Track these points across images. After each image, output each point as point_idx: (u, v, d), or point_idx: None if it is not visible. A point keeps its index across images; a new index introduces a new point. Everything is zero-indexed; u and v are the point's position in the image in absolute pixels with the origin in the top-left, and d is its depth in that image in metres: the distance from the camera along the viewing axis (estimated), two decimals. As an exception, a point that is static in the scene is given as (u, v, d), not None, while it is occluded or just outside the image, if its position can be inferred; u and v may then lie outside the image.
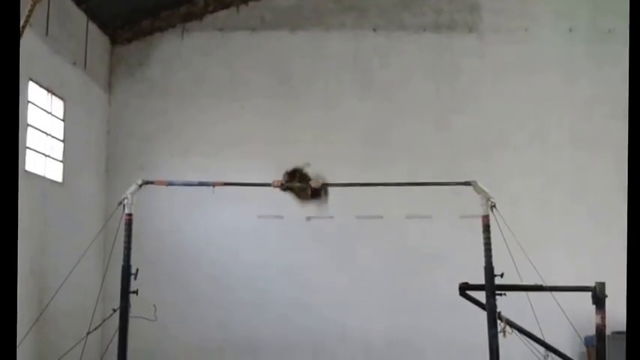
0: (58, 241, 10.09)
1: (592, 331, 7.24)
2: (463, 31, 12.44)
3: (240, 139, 12.40)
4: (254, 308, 11.97)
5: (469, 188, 7.45)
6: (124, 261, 7.62)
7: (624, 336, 11.67)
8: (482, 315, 7.04)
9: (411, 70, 12.57)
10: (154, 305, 9.72)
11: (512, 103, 12.31)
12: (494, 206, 7.19)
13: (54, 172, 10.87)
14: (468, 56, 12.43)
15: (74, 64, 11.30)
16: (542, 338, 7.04)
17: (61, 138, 11.14)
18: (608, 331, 7.22)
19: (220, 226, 12.31)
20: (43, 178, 10.46)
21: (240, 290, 12.05)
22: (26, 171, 9.76)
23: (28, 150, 9.77)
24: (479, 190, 7.29)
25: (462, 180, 7.70)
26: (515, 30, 12.37)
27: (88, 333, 8.12)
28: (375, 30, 12.65)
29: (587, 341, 9.61)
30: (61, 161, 11.05)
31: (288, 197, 11.17)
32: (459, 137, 12.15)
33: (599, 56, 12.11)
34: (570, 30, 12.25)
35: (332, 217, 11.14)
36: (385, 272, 12.10)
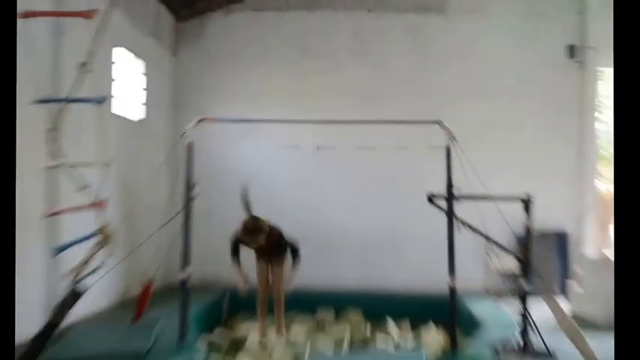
0: (140, 165, 10.26)
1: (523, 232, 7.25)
2: (435, 12, 12.57)
3: (271, 92, 12.62)
4: (279, 212, 12.10)
5: (438, 127, 7.49)
6: (186, 176, 7.63)
7: (547, 236, 11.76)
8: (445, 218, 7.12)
9: (397, 43, 12.68)
10: (208, 206, 9.89)
11: (471, 67, 12.44)
12: (454, 139, 7.24)
13: (136, 114, 11.18)
14: (440, 32, 12.55)
15: (150, 35, 11.66)
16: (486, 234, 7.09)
17: (144, 87, 11.58)
18: (534, 232, 7.25)
19: (255, 154, 12.55)
20: (130, 120, 10.71)
21: (268, 199, 12.20)
22: (117, 116, 10.01)
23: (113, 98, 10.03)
24: (444, 128, 7.32)
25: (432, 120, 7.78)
26: (475, 11, 12.54)
27: (160, 227, 8.30)
28: (369, 11, 12.77)
29: (519, 240, 9.69)
30: (143, 104, 11.39)
31: (303, 132, 11.25)
32: (434, 92, 12.29)
33: (539, 31, 12.27)
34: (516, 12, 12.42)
35: (335, 147, 11.20)
36: (375, 187, 12.30)
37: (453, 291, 7.02)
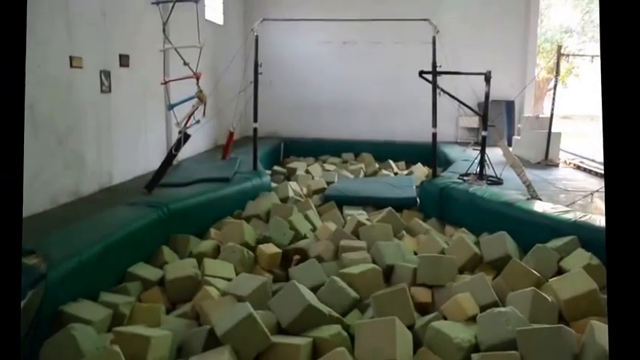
0: (222, 55, 10.14)
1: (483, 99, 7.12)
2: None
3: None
4: (318, 89, 12.09)
5: (427, 23, 7.25)
6: (254, 59, 7.52)
7: (499, 102, 11.50)
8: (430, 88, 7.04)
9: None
10: (270, 81, 9.85)
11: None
12: (438, 32, 7.04)
13: (219, 18, 10.75)
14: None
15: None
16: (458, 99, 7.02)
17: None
18: (490, 99, 7.15)
19: (301, 45, 12.06)
20: (215, 23, 10.41)
21: (310, 80, 12.15)
22: (206, 20, 9.76)
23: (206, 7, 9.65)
24: (431, 24, 7.09)
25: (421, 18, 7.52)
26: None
27: (239, 92, 8.32)
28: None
29: (479, 105, 9.55)
30: (222, 13, 10.96)
31: (333, 30, 10.91)
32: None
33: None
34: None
35: (356, 43, 10.99)
36: (382, 71, 12.00)
37: (434, 136, 7.07)
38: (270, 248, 4.98)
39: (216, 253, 5.04)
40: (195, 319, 3.87)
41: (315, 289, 4.09)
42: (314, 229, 5.88)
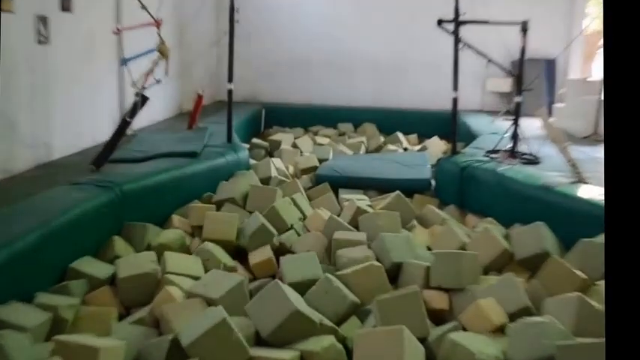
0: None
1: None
2: None
3: None
4: (310, 42, 12.02)
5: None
6: (230, 3, 7.38)
7: (538, 61, 11.49)
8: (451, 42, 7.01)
9: None
10: (250, 32, 9.80)
11: None
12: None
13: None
14: None
15: None
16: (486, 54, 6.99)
17: None
18: (527, 57, 7.11)
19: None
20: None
21: (302, 31, 12.09)
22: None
23: None
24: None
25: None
26: None
27: (211, 46, 8.27)
28: None
29: (513, 63, 9.54)
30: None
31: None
32: None
33: None
34: None
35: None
36: (391, 19, 11.94)
37: (455, 102, 7.07)
38: (260, 254, 5.02)
39: (180, 245, 5.08)
40: (155, 327, 3.90)
41: (305, 286, 4.14)
42: (303, 217, 5.91)
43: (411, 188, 6.81)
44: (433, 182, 7.08)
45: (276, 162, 7.74)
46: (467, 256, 4.43)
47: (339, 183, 7.08)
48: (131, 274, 4.29)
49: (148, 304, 4.09)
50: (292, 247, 5.23)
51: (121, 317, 4.09)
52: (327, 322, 3.80)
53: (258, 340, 3.62)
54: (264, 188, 6.32)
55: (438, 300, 4.22)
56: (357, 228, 5.44)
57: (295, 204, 6.00)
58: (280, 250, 5.21)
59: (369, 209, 5.90)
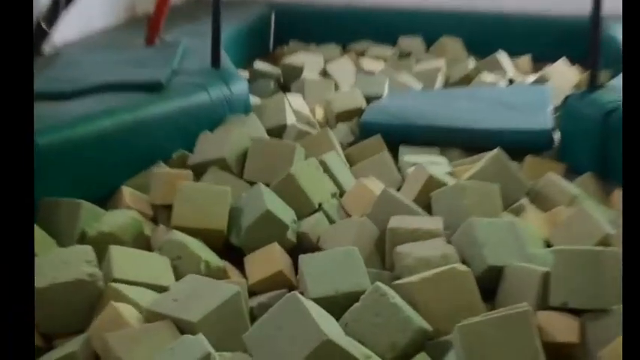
0: None
1: None
2: None
3: None
4: None
5: None
6: None
7: None
8: None
9: None
10: None
11: None
12: None
13: None
14: None
15: None
16: None
17: None
18: None
19: None
20: None
21: None
22: None
23: None
24: None
25: None
26: None
27: None
28: None
29: None
30: None
31: None
32: None
33: None
34: None
35: None
36: None
37: (597, 3, 6.99)
38: (265, 259, 4.99)
39: (135, 235, 5.09)
40: (93, 369, 3.95)
41: (341, 303, 4.14)
42: (338, 192, 5.96)
43: (520, 146, 6.80)
44: (557, 136, 7.04)
45: (295, 101, 7.78)
46: (612, 257, 4.35)
47: (400, 136, 7.12)
48: (54, 283, 4.26)
49: (83, 332, 4.10)
50: (321, 241, 5.23)
51: (39, 351, 4.09)
52: (377, 359, 3.79)
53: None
54: (274, 144, 6.32)
55: (563, 327, 4.16)
56: (428, 210, 5.47)
57: (327, 170, 6.03)
58: (301, 246, 5.21)
59: (449, 179, 5.88)
